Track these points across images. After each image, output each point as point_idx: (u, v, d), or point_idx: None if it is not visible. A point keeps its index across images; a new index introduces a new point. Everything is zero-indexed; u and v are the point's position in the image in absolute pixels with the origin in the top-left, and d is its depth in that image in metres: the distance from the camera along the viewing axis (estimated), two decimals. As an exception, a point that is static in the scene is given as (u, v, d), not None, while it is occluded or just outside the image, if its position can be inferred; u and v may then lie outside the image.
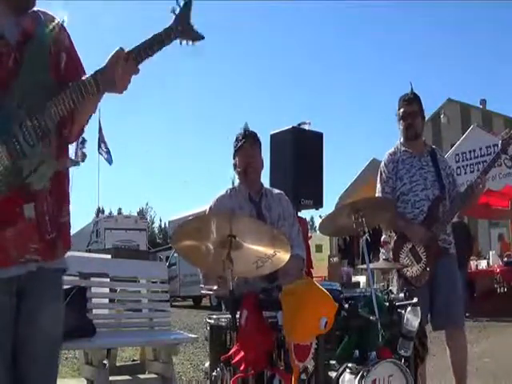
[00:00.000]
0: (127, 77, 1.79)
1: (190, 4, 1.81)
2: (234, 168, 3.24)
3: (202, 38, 1.84)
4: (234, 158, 3.23)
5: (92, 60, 1.89)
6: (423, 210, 3.55)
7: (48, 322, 1.79)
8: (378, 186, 3.74)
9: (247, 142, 3.13)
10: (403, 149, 3.71)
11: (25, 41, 1.78)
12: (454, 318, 3.49)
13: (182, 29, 1.79)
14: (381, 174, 3.73)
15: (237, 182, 3.29)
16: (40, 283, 1.78)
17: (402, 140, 3.75)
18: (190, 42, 1.83)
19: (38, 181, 1.74)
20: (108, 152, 19.70)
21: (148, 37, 1.80)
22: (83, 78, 1.77)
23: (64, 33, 1.89)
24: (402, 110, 3.68)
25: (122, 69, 1.74)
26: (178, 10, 1.81)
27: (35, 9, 1.86)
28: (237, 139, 3.17)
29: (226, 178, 3.30)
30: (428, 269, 3.43)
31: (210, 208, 3.16)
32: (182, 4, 1.80)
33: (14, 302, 1.74)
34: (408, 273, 3.48)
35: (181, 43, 1.83)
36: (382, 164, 3.75)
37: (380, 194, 3.70)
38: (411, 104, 3.66)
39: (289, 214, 3.24)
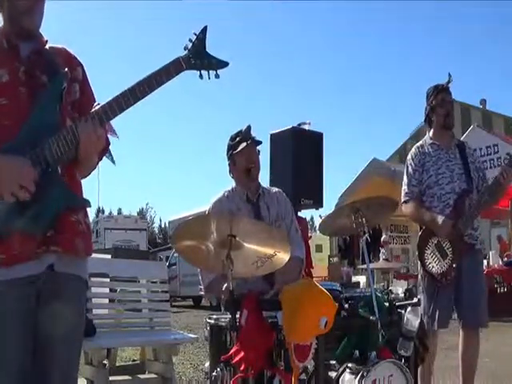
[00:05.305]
0: (90, 137, 1.69)
1: (205, 31, 1.76)
2: (232, 168, 3.16)
3: (227, 64, 1.80)
4: (230, 159, 3.15)
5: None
6: (449, 204, 3.45)
7: (69, 325, 1.75)
8: (405, 178, 3.64)
9: (251, 144, 3.09)
10: (430, 141, 3.62)
11: (35, 56, 1.77)
12: (481, 317, 3.42)
13: (204, 59, 1.75)
14: (407, 167, 3.64)
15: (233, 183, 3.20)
16: (60, 285, 1.74)
17: (430, 132, 3.66)
18: (214, 72, 1.79)
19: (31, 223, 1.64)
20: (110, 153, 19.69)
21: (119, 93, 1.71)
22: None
23: (78, 68, 1.88)
24: (440, 96, 3.56)
25: (82, 129, 1.68)
26: (191, 45, 1.75)
27: (50, 45, 1.84)
28: (238, 140, 3.09)
29: (226, 178, 3.23)
30: (454, 265, 3.34)
31: (208, 212, 3.09)
32: (197, 33, 1.74)
33: (33, 305, 1.70)
34: (434, 269, 3.40)
35: (201, 75, 1.78)
36: (409, 157, 3.66)
37: (406, 187, 3.60)
38: (450, 93, 3.59)
39: (287, 212, 3.19)
